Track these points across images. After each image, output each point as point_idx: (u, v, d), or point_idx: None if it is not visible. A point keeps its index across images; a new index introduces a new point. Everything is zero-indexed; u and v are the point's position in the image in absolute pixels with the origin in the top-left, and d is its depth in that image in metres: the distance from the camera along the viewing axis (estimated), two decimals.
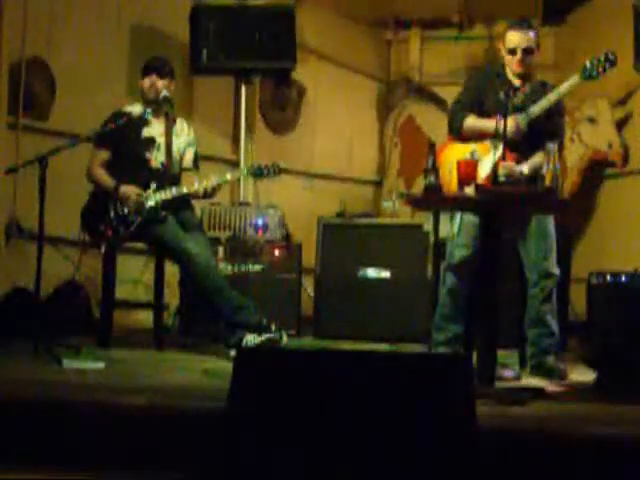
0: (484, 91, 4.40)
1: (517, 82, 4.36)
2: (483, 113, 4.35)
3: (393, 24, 7.72)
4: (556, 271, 4.29)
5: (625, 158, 6.48)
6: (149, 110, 4.74)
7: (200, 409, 2.98)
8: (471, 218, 4.27)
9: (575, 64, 6.98)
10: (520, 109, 4.18)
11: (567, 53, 7.21)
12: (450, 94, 7.36)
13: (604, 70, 4.04)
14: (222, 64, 6.11)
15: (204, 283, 4.52)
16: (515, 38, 4.32)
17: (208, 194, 4.78)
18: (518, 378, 4.01)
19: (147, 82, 4.80)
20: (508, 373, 4.00)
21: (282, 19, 6.14)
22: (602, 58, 4.04)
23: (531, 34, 4.34)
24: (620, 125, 6.52)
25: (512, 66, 4.35)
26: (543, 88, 4.39)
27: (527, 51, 4.29)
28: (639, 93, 6.40)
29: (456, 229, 4.50)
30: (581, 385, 3.89)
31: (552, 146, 3.68)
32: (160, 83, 4.78)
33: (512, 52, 4.32)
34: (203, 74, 6.31)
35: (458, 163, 3.90)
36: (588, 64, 4.09)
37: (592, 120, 6.55)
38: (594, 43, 6.76)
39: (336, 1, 7.33)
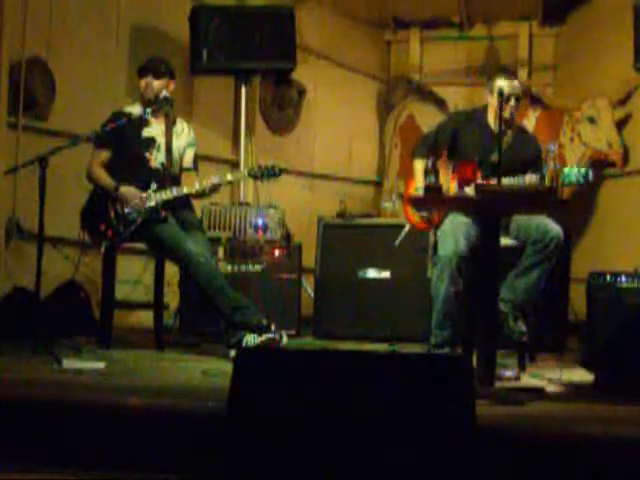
0: (460, 133, 4.57)
1: (497, 128, 4.40)
2: (456, 154, 4.49)
3: (393, 24, 7.72)
4: (558, 227, 4.31)
5: (625, 158, 6.49)
6: (149, 110, 4.73)
7: (200, 409, 2.98)
8: (463, 217, 4.31)
9: (575, 64, 7.04)
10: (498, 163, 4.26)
11: (567, 53, 7.21)
12: (450, 94, 7.45)
13: (578, 183, 4.00)
14: (222, 64, 6.11)
15: (204, 283, 4.52)
16: (508, 85, 4.44)
17: (206, 193, 4.79)
18: (518, 378, 4.02)
19: (143, 83, 4.80)
20: (508, 373, 4.01)
21: (282, 19, 6.14)
22: (583, 171, 4.00)
23: (516, 82, 4.53)
24: (620, 125, 6.52)
25: (503, 111, 4.39)
26: (523, 137, 4.60)
27: (517, 99, 4.47)
28: (639, 93, 6.41)
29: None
30: (580, 385, 3.89)
31: (552, 146, 3.69)
32: (156, 83, 4.78)
33: (506, 99, 4.41)
34: (203, 74, 6.31)
35: (457, 164, 3.92)
36: (567, 170, 4.02)
37: (592, 120, 6.56)
38: (594, 43, 6.78)
39: (336, 1, 7.33)
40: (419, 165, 4.49)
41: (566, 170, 3.96)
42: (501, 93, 4.21)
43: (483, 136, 4.53)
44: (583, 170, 3.95)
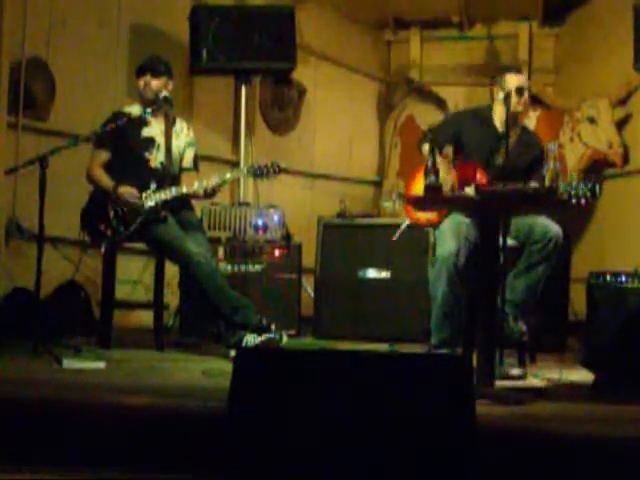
0: (464, 133, 4.56)
1: (502, 128, 4.46)
2: (459, 151, 4.51)
3: (393, 24, 7.72)
4: (557, 227, 4.32)
5: (625, 158, 6.49)
6: (149, 110, 4.73)
7: (200, 409, 2.98)
8: (463, 217, 4.31)
9: (575, 64, 7.03)
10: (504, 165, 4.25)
11: (567, 53, 7.21)
12: (450, 94, 7.45)
13: (584, 198, 3.95)
14: (222, 64, 6.11)
15: (204, 283, 4.52)
16: (520, 80, 4.52)
17: (208, 194, 4.78)
18: (524, 377, 4.03)
19: (141, 82, 4.80)
20: (515, 371, 4.03)
21: (282, 19, 6.13)
22: (588, 186, 3.94)
23: (525, 78, 4.63)
24: (620, 125, 6.52)
25: (517, 106, 4.46)
26: (527, 137, 4.60)
27: (529, 92, 4.55)
28: (639, 93, 6.41)
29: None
30: (580, 385, 3.89)
31: (552, 146, 3.69)
32: (154, 83, 4.77)
33: (519, 92, 4.46)
34: (203, 74, 6.31)
35: (456, 165, 3.92)
36: (575, 182, 3.98)
37: (592, 120, 6.56)
38: (594, 43, 6.78)
39: (336, 1, 7.33)
40: (426, 147, 4.48)
41: (573, 182, 3.92)
42: (513, 88, 4.28)
43: (488, 136, 4.53)
44: (590, 185, 3.89)
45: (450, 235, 4.36)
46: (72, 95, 5.74)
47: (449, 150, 4.53)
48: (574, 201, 3.68)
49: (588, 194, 3.71)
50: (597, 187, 3.74)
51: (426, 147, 4.48)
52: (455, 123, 4.67)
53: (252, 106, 6.73)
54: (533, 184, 3.94)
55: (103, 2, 6.03)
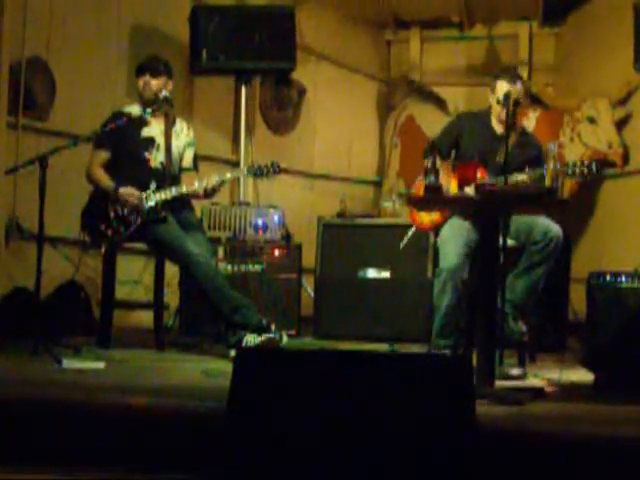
0: (462, 135, 4.59)
1: (500, 130, 4.48)
2: (459, 155, 4.54)
3: (393, 24, 7.72)
4: (557, 227, 4.33)
5: (625, 158, 6.48)
6: (149, 110, 4.74)
7: (200, 409, 2.98)
8: (462, 221, 4.31)
9: (575, 64, 7.03)
10: (504, 163, 4.24)
11: (567, 53, 7.22)
12: (450, 94, 7.45)
13: (581, 175, 4.10)
14: (222, 64, 6.11)
15: (204, 283, 4.52)
16: (508, 88, 4.41)
17: (208, 194, 4.78)
18: (524, 377, 4.03)
19: (141, 82, 4.80)
20: (515, 371, 4.03)
21: (282, 19, 6.14)
22: (586, 164, 4.10)
23: (519, 85, 4.51)
24: (620, 125, 6.52)
25: (501, 115, 4.44)
26: (525, 139, 4.62)
27: (516, 102, 4.36)
28: (639, 93, 6.41)
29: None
30: (580, 385, 3.89)
31: (552, 146, 3.69)
32: (154, 82, 4.78)
33: (504, 102, 4.36)
34: (203, 74, 6.31)
35: (458, 164, 3.92)
36: (571, 162, 4.19)
37: (592, 120, 6.56)
38: (594, 43, 6.78)
39: (336, 1, 7.33)
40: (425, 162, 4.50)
41: (570, 162, 4.07)
42: (504, 96, 4.25)
43: (485, 138, 4.54)
44: (587, 162, 4.06)
45: (453, 245, 4.35)
46: (72, 95, 5.74)
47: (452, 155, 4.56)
48: (577, 179, 3.86)
49: (585, 170, 3.88)
50: (594, 164, 3.94)
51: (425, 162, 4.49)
52: (454, 127, 4.68)
53: (252, 106, 6.72)
54: (538, 171, 4.00)
55: (103, 2, 6.02)
